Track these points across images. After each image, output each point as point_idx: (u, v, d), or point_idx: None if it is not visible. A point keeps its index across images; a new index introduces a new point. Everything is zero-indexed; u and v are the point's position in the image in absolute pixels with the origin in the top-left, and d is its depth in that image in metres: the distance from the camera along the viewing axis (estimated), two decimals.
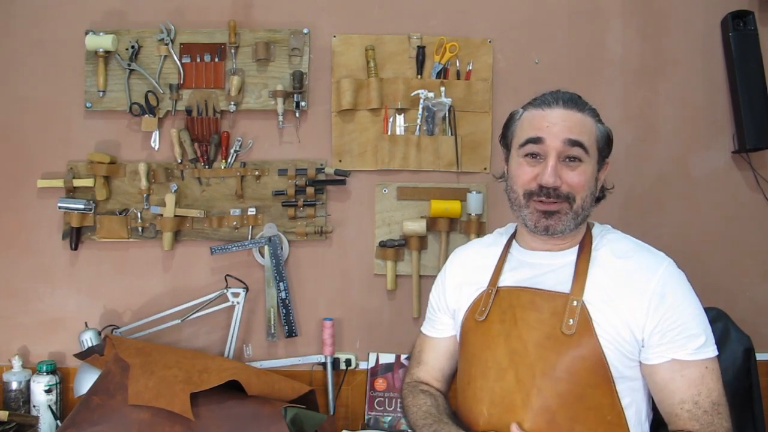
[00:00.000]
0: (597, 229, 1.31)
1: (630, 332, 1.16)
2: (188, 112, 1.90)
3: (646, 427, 1.21)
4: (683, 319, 1.15)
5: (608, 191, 1.34)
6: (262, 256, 1.90)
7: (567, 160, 1.21)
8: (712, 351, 1.16)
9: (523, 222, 1.26)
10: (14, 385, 1.79)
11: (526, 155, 1.23)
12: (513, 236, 1.38)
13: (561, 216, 1.21)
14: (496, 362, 1.21)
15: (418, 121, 1.90)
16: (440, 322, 1.42)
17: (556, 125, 1.20)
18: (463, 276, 1.38)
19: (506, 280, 1.29)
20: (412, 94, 1.90)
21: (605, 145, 1.27)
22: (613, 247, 1.25)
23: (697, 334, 1.15)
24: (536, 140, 1.21)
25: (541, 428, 1.14)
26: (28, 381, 1.80)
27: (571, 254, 1.26)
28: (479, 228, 1.88)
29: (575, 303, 1.17)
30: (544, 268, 1.26)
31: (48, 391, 1.77)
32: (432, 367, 1.43)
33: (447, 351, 1.42)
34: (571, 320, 1.16)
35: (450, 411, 1.32)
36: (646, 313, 1.15)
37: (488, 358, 1.23)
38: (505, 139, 1.33)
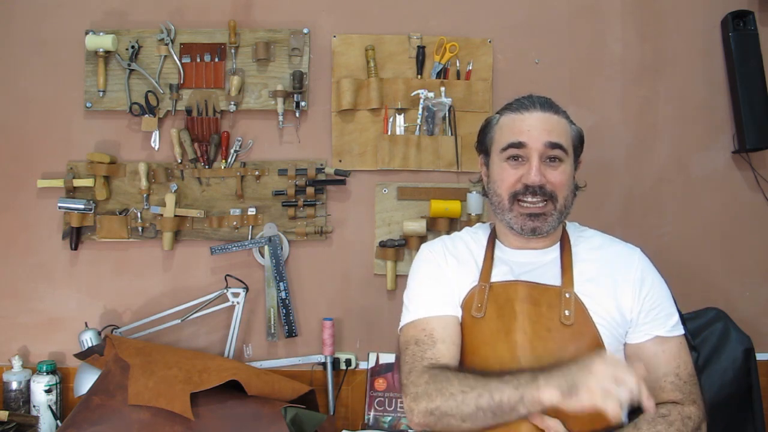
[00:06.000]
0: (570, 227, 1.38)
1: (621, 315, 1.24)
2: (188, 112, 1.90)
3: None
4: (660, 299, 1.27)
5: (581, 189, 1.37)
6: (262, 256, 1.90)
7: (548, 160, 1.26)
8: (682, 328, 1.28)
9: (508, 225, 1.29)
10: (14, 385, 1.79)
11: (509, 158, 1.27)
12: (493, 235, 1.38)
13: (547, 217, 1.26)
14: (497, 358, 1.21)
15: (418, 121, 1.90)
16: (450, 296, 1.29)
17: (536, 128, 1.26)
18: (456, 264, 1.33)
19: (497, 276, 1.30)
20: (412, 94, 1.90)
21: (579, 144, 1.34)
22: (589, 242, 1.34)
23: (672, 312, 1.27)
24: (518, 144, 1.26)
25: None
26: (28, 381, 1.80)
27: (553, 251, 1.32)
28: None
29: (568, 295, 1.23)
30: (531, 265, 1.30)
31: (48, 391, 1.77)
32: (456, 344, 1.24)
33: (459, 331, 1.27)
34: (567, 311, 1.21)
35: None
36: (633, 296, 1.25)
37: (488, 355, 1.23)
38: (482, 145, 1.37)
